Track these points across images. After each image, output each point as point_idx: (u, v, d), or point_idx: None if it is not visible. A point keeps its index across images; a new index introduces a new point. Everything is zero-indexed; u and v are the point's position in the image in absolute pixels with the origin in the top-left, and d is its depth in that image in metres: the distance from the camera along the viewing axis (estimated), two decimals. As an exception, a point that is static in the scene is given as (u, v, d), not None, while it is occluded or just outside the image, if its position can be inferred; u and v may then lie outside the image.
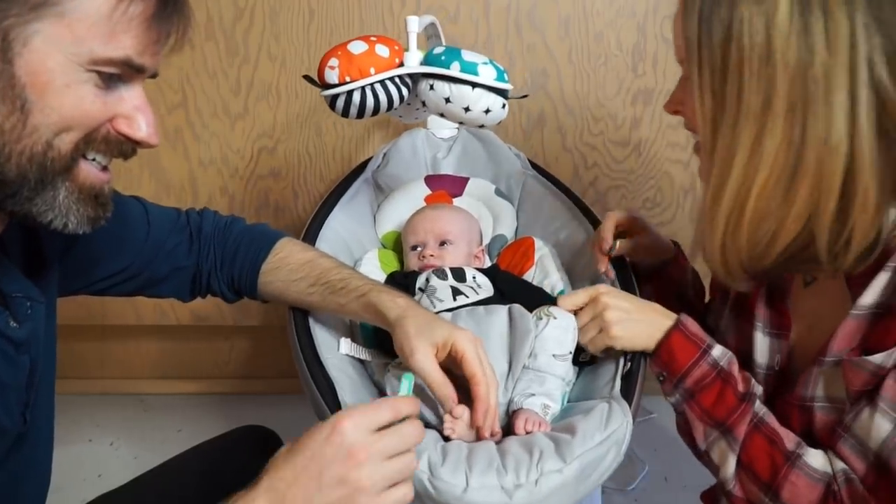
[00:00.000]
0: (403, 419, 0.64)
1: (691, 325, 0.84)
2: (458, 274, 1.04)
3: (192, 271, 0.95)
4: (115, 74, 0.59)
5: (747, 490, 0.77)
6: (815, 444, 0.76)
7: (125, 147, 0.63)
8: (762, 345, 0.85)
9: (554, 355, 0.85)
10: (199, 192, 1.63)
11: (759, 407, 0.79)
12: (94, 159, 0.62)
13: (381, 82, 1.02)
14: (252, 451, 1.02)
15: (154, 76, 0.63)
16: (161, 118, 1.53)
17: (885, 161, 0.67)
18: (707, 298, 1.09)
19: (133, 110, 0.61)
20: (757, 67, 0.67)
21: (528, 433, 0.78)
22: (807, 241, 0.72)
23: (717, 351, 0.82)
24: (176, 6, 0.60)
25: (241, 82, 1.54)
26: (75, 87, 0.57)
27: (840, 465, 0.73)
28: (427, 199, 1.28)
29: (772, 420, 0.78)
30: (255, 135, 1.59)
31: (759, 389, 0.80)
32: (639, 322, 0.85)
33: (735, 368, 0.81)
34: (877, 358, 0.69)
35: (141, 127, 0.62)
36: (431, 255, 1.10)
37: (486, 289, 1.02)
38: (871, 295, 0.71)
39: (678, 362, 0.82)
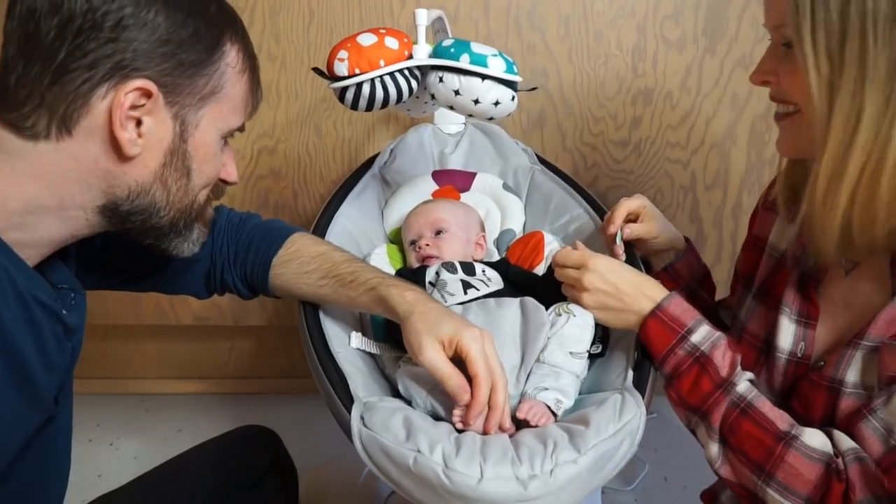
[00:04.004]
0: None
1: (674, 307, 0.83)
2: (468, 268, 1.04)
3: (207, 265, 0.95)
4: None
5: (738, 472, 0.77)
6: (835, 427, 0.76)
7: (221, 189, 0.80)
8: (787, 331, 0.84)
9: (571, 353, 0.85)
10: (199, 192, 1.63)
11: (748, 391, 0.78)
12: None
13: (391, 74, 1.02)
14: (252, 451, 1.03)
15: None
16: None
17: None
18: (725, 296, 1.08)
19: (228, 160, 0.78)
20: (882, 29, 0.65)
21: (525, 420, 0.78)
22: None
23: (700, 334, 0.81)
24: (260, 79, 0.78)
25: (241, 82, 1.54)
26: (218, 153, 0.74)
27: (849, 444, 0.72)
28: (434, 193, 1.28)
29: (763, 404, 0.77)
30: (255, 135, 1.59)
31: (746, 376, 0.79)
32: (613, 311, 0.85)
33: (718, 353, 0.79)
34: None
35: (234, 172, 0.79)
36: (427, 245, 1.10)
37: (496, 282, 1.02)
38: None
39: (655, 348, 0.82)
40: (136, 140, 0.66)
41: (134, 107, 0.65)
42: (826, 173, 0.70)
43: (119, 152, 0.66)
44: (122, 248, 0.87)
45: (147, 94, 0.65)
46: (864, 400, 0.73)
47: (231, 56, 0.72)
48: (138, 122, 0.66)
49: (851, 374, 0.75)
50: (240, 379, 1.89)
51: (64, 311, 0.72)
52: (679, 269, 1.06)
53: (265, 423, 1.08)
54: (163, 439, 1.71)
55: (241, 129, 0.77)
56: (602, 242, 1.06)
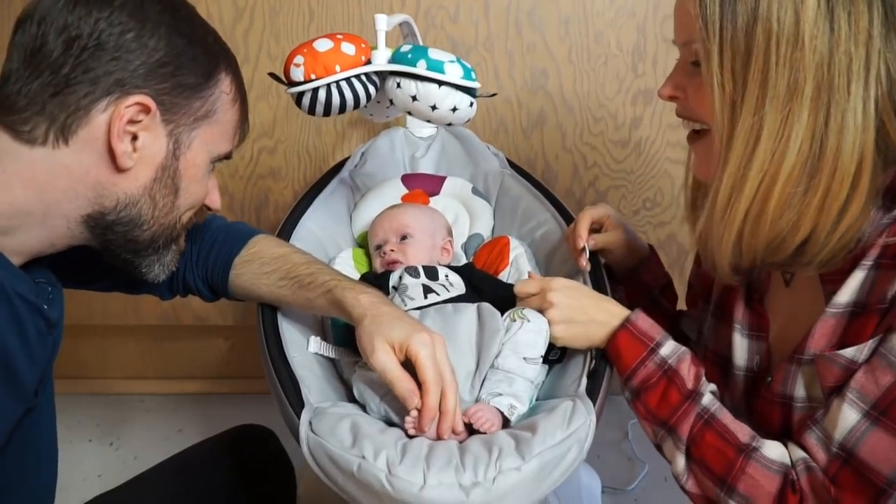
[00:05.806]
0: None
1: (642, 322, 0.83)
2: (431, 272, 1.04)
3: None
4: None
5: (702, 485, 0.77)
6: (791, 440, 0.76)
7: (203, 213, 0.83)
8: (741, 347, 0.85)
9: (525, 358, 0.85)
10: (199, 192, 1.63)
11: (711, 403, 0.78)
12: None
13: (347, 80, 1.01)
14: (251, 451, 1.03)
15: None
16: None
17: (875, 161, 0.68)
18: (684, 307, 1.08)
19: (212, 188, 0.81)
20: (784, 51, 0.66)
21: (471, 425, 0.77)
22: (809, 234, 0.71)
23: (667, 348, 0.81)
24: (248, 114, 0.82)
25: (241, 82, 1.54)
26: (206, 176, 0.78)
27: (800, 454, 0.72)
28: (404, 197, 1.28)
29: (725, 416, 0.77)
30: (255, 135, 1.59)
31: (710, 387, 0.80)
32: (580, 324, 0.86)
33: (684, 366, 0.80)
34: (848, 352, 0.70)
35: (217, 199, 0.82)
36: (392, 251, 1.10)
37: (458, 286, 1.02)
38: (847, 293, 0.71)
39: (624, 362, 0.82)
40: (131, 153, 0.69)
41: (132, 122, 0.68)
42: (726, 189, 0.72)
43: (113, 164, 0.69)
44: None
45: (146, 110, 0.69)
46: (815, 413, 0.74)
47: (225, 84, 0.76)
48: (134, 137, 0.69)
49: (799, 389, 0.76)
50: (239, 379, 1.89)
51: (45, 307, 0.73)
52: (643, 277, 1.05)
53: (264, 423, 1.08)
54: (163, 439, 1.71)
55: (229, 156, 0.80)
56: (566, 250, 1.05)
